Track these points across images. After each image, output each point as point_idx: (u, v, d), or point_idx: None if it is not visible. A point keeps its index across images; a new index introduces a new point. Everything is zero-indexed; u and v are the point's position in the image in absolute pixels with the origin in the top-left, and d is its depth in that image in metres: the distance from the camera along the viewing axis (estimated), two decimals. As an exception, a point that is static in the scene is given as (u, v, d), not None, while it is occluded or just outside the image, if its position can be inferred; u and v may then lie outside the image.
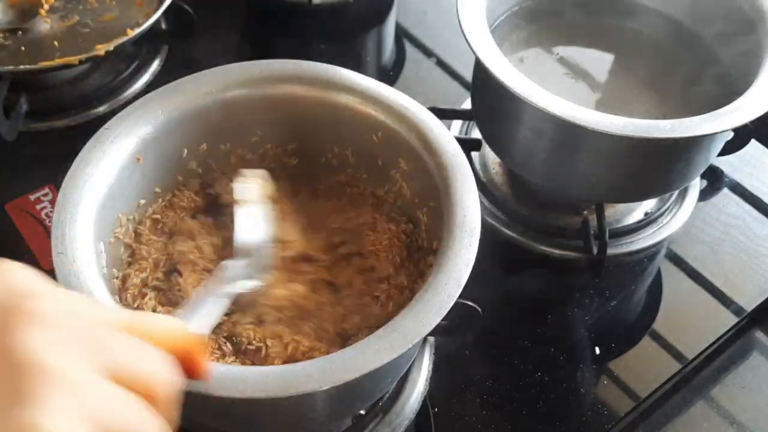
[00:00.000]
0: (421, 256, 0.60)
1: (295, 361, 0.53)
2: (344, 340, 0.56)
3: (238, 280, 0.51)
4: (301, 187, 0.65)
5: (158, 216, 0.62)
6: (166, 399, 0.35)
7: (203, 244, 0.60)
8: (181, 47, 0.93)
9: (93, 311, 0.33)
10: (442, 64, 0.98)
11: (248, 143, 0.65)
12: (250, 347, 0.54)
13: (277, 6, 1.01)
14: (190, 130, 0.62)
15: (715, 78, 0.76)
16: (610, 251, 0.75)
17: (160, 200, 0.62)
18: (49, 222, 0.74)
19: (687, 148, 0.69)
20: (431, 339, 0.69)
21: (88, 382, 0.31)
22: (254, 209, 0.55)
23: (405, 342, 0.47)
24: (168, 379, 0.35)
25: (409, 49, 1.00)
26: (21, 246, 0.73)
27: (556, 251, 0.78)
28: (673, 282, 0.77)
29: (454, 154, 0.57)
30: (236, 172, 0.58)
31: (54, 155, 0.79)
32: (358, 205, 0.64)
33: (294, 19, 1.01)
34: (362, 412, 0.62)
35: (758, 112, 0.65)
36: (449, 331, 0.67)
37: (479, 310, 0.62)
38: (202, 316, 0.45)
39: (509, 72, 0.66)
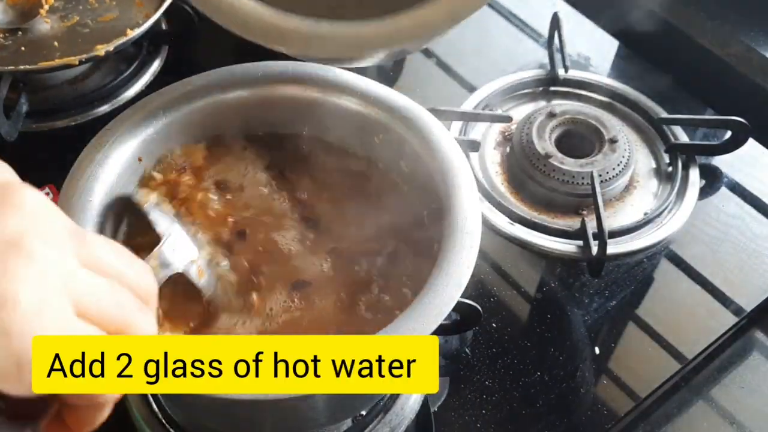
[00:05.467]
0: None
1: None
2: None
3: (173, 263, 0.53)
4: (301, 188, 0.65)
5: None
6: (152, 303, 0.35)
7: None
8: (181, 47, 0.93)
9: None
10: (442, 64, 0.98)
11: (249, 144, 0.65)
12: None
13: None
14: (191, 131, 0.62)
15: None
16: (610, 251, 0.75)
17: (161, 200, 0.62)
18: (50, 222, 0.74)
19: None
20: (431, 339, 0.69)
21: (68, 264, 0.31)
22: (159, 207, 0.58)
23: (406, 343, 0.47)
24: (153, 284, 0.35)
25: (409, 49, 1.00)
26: (21, 246, 0.73)
27: (556, 251, 0.78)
28: (673, 282, 0.78)
29: (455, 156, 0.57)
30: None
31: (54, 155, 0.79)
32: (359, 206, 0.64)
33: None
34: (363, 412, 0.63)
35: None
36: (449, 331, 0.67)
37: (479, 309, 0.63)
38: None
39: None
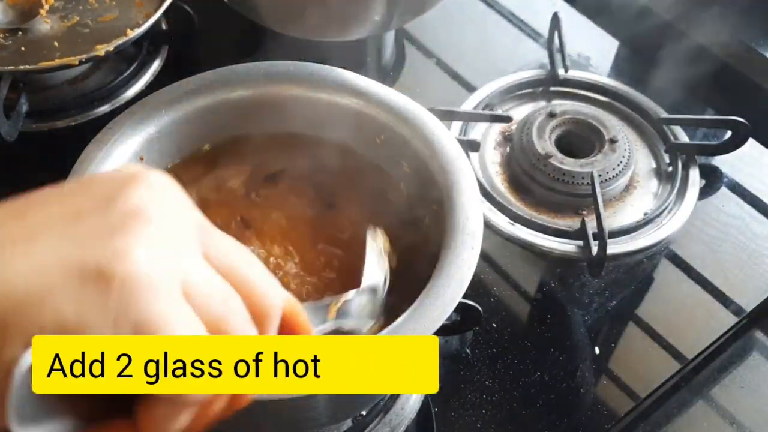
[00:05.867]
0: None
1: None
2: None
3: (352, 316, 0.48)
4: (302, 189, 0.65)
5: None
6: (267, 326, 0.32)
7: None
8: (181, 48, 0.93)
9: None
10: (442, 64, 0.98)
11: (250, 144, 0.65)
12: None
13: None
14: (193, 131, 0.62)
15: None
16: (610, 251, 0.75)
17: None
18: (50, 222, 0.74)
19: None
20: (431, 339, 0.69)
21: (189, 245, 0.30)
22: (381, 254, 0.54)
23: (406, 343, 0.47)
24: (274, 306, 0.32)
25: (409, 50, 1.00)
26: (21, 246, 0.73)
27: (556, 251, 0.78)
28: (673, 282, 0.78)
29: (456, 156, 0.58)
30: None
31: (54, 155, 0.79)
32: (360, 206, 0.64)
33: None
34: (363, 412, 0.63)
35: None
36: (449, 331, 0.67)
37: (480, 309, 0.63)
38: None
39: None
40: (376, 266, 0.53)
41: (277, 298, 0.33)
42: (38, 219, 0.28)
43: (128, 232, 0.28)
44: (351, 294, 0.48)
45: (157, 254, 0.28)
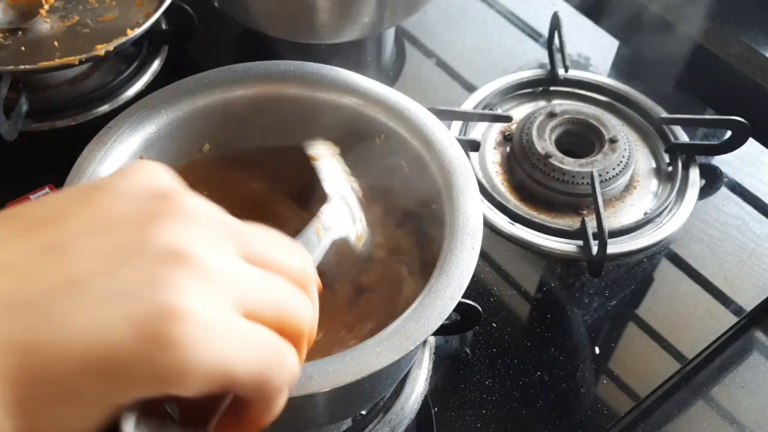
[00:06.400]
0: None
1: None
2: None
3: (335, 226, 0.51)
4: (303, 189, 0.65)
5: None
6: (310, 285, 0.35)
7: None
8: (181, 47, 0.93)
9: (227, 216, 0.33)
10: (442, 64, 0.98)
11: (250, 144, 0.65)
12: None
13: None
14: (192, 130, 0.62)
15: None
16: (610, 251, 0.75)
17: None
18: (50, 222, 0.74)
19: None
20: (431, 339, 0.69)
21: (229, 265, 0.30)
22: (332, 162, 0.56)
23: (407, 344, 0.47)
24: (306, 266, 0.35)
25: (409, 49, 1.00)
26: (21, 246, 0.73)
27: (556, 251, 0.78)
28: (673, 282, 0.78)
29: (456, 156, 0.57)
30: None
31: (54, 155, 0.79)
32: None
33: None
34: (363, 412, 0.63)
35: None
36: (449, 331, 0.67)
37: (479, 309, 0.63)
38: None
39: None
40: (331, 173, 0.55)
41: (302, 258, 0.35)
42: (78, 257, 0.28)
43: (176, 287, 0.28)
44: (325, 209, 0.51)
45: (209, 298, 0.29)
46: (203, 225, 0.31)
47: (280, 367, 0.31)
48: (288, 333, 0.32)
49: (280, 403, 0.32)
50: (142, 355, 0.27)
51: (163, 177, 0.32)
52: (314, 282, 0.35)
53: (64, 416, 0.27)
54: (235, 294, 0.30)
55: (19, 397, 0.26)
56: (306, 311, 0.33)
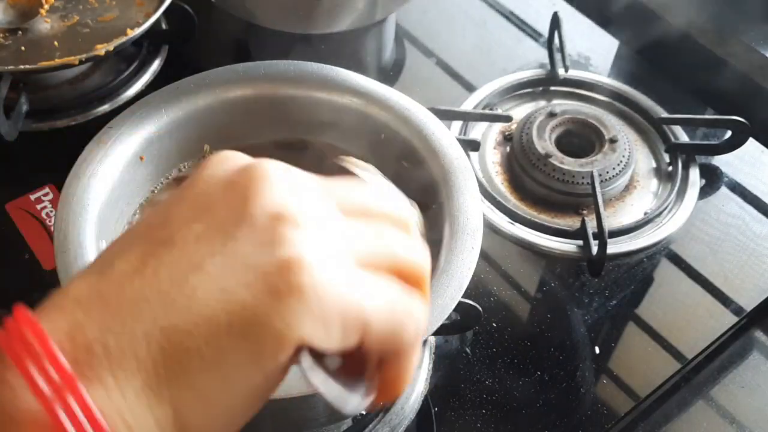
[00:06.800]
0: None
1: None
2: None
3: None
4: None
5: None
6: (411, 228, 0.34)
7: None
8: (181, 47, 0.93)
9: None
10: (442, 64, 0.98)
11: (250, 144, 0.65)
12: None
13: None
14: (193, 130, 0.62)
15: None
16: (610, 251, 0.75)
17: (162, 200, 0.63)
18: (50, 222, 0.74)
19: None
20: (431, 339, 0.69)
21: (332, 218, 0.31)
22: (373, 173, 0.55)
23: (406, 343, 0.47)
24: (404, 210, 0.34)
25: (409, 49, 1.00)
26: (21, 246, 0.73)
27: (556, 251, 0.78)
28: (673, 282, 0.78)
29: (456, 156, 0.58)
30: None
31: (54, 155, 0.79)
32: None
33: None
34: (363, 412, 0.63)
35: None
36: (449, 331, 0.67)
37: (479, 309, 0.63)
38: None
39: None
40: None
41: (406, 209, 0.35)
42: (188, 245, 0.29)
43: (289, 242, 0.28)
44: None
45: (323, 249, 0.29)
46: (293, 185, 0.31)
47: (409, 315, 0.31)
48: (407, 277, 0.32)
49: (414, 359, 0.32)
50: (273, 309, 0.27)
51: (238, 155, 0.33)
52: (415, 224, 0.35)
53: (212, 389, 0.28)
54: (347, 247, 0.30)
55: (166, 379, 0.27)
56: (418, 253, 0.33)
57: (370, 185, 0.35)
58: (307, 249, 0.28)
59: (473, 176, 0.57)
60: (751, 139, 0.86)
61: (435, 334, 0.55)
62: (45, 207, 0.76)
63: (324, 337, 0.28)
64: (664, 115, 0.89)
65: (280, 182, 0.31)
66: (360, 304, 0.29)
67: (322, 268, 0.28)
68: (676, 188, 0.83)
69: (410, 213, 0.35)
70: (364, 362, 0.32)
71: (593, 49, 1.00)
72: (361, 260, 0.30)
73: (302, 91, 0.63)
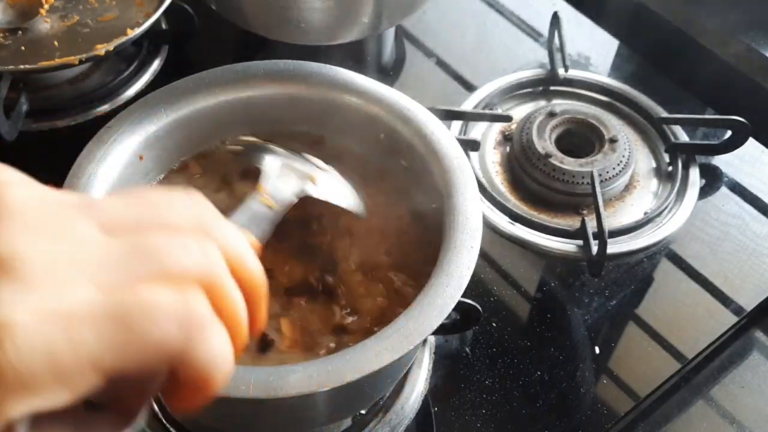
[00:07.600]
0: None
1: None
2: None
3: (283, 190, 0.51)
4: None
5: None
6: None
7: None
8: (181, 47, 0.93)
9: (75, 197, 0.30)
10: (442, 64, 0.98)
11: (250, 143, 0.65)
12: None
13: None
14: (192, 130, 0.62)
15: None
16: (610, 251, 0.75)
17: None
18: (50, 222, 0.74)
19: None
20: (431, 338, 0.69)
21: (73, 245, 0.27)
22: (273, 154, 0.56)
23: (406, 343, 0.47)
24: (208, 215, 0.31)
25: (409, 50, 1.00)
26: (21, 246, 0.73)
27: (556, 251, 0.78)
28: (673, 281, 0.78)
29: (456, 156, 0.58)
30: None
31: (54, 155, 0.79)
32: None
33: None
34: (362, 411, 0.63)
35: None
36: (449, 331, 0.67)
37: (479, 309, 0.63)
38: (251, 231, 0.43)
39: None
40: (258, 155, 0.55)
41: (203, 210, 0.32)
42: None
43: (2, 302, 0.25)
44: (262, 181, 0.51)
45: (40, 293, 0.26)
46: (33, 216, 0.27)
47: (145, 317, 0.27)
48: (179, 281, 0.28)
49: (206, 347, 0.28)
50: None
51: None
52: (215, 226, 0.31)
53: None
54: (88, 273, 0.27)
55: None
56: (192, 255, 0.29)
57: (158, 195, 0.31)
58: (15, 308, 0.25)
59: (473, 176, 0.57)
60: (751, 139, 0.86)
61: (435, 333, 0.55)
62: (45, 207, 0.76)
63: (44, 402, 0.25)
64: (664, 115, 0.89)
65: (14, 216, 0.27)
66: (79, 347, 0.25)
67: (28, 325, 0.25)
68: (676, 188, 0.83)
69: (205, 213, 0.31)
70: (133, 386, 0.29)
71: (593, 49, 1.00)
72: (111, 282, 0.27)
73: (302, 91, 0.63)
